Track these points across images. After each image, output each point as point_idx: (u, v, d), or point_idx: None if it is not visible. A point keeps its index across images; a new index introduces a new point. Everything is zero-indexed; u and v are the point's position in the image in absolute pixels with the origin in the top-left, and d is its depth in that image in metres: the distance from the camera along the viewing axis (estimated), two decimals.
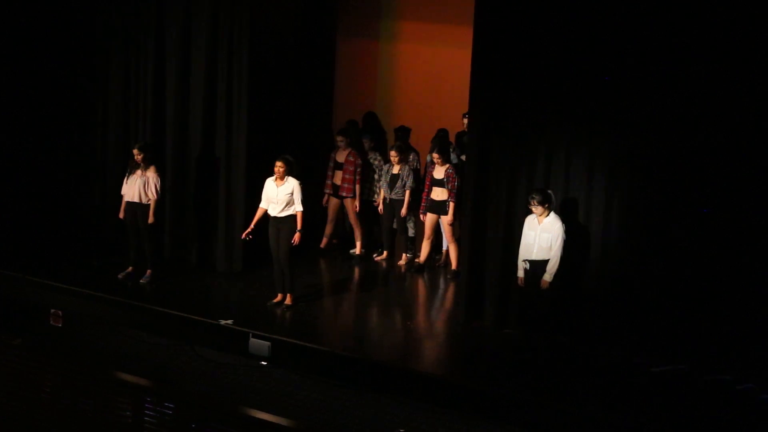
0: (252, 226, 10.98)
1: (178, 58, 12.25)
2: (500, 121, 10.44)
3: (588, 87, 9.98)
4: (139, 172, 11.52)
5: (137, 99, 12.69)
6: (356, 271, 12.79)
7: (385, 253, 13.06)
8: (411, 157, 12.70)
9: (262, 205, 10.97)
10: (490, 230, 10.61)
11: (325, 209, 13.03)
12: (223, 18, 11.85)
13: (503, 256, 10.49)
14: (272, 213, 10.88)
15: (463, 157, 12.00)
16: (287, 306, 11.04)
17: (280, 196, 10.79)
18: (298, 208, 10.80)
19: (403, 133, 13.06)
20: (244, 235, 11.06)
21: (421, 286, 12.36)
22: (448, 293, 12.02)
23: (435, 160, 11.94)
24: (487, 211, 10.60)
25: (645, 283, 9.90)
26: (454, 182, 11.75)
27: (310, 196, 11.53)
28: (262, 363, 9.95)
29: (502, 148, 10.46)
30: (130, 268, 11.86)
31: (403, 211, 12.43)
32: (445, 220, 12.00)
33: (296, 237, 10.76)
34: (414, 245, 12.87)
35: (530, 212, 9.91)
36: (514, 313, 10.54)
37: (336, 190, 12.84)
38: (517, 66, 10.28)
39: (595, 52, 9.88)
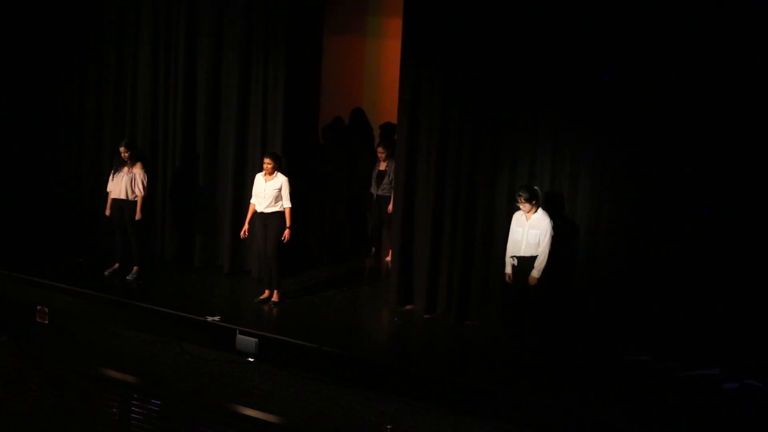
0: (247, 224, 11.01)
1: (210, 58, 12.16)
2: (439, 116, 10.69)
3: (576, 84, 10.03)
4: (125, 169, 11.50)
5: (167, 99, 12.56)
6: (343, 267, 12.79)
7: (372, 249, 13.06)
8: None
9: (253, 201, 10.99)
10: (419, 222, 11.05)
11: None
12: (258, 19, 11.81)
13: (432, 245, 10.90)
14: (259, 208, 10.89)
15: None
16: (274, 302, 11.05)
17: (267, 191, 10.79)
18: (286, 204, 10.82)
19: (389, 129, 13.04)
20: (242, 234, 11.09)
21: None
22: None
23: None
24: (416, 203, 11.00)
25: (632, 279, 9.95)
26: None
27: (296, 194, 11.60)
28: (250, 360, 9.95)
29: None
30: (117, 265, 11.84)
31: (390, 207, 12.44)
32: None
33: (286, 234, 10.78)
34: None
35: (517, 208, 9.94)
36: (443, 299, 10.91)
37: None
38: (467, 53, 10.52)
39: (586, 50, 9.92)
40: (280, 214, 10.83)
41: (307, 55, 12.07)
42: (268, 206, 10.83)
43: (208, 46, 12.14)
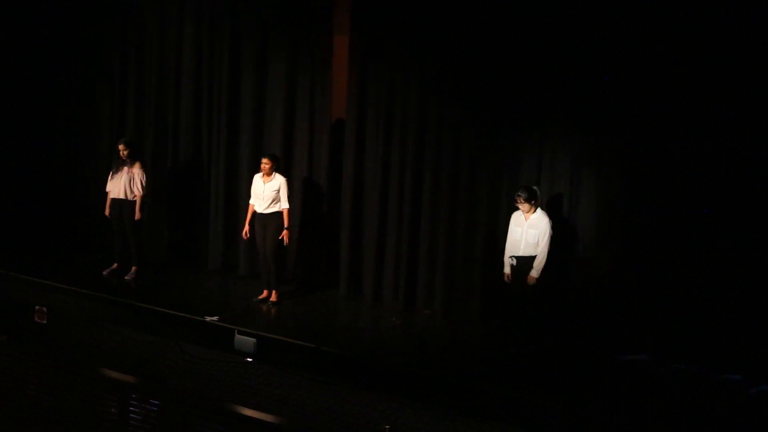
0: (248, 224, 11.01)
1: (254, 68, 12.09)
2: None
3: (573, 83, 10.04)
4: (124, 168, 11.51)
5: (210, 108, 12.49)
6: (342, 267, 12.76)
7: None
8: None
9: (252, 202, 11.00)
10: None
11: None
12: (302, 30, 11.75)
13: (378, 236, 11.39)
14: (258, 209, 10.90)
15: None
16: (272, 302, 11.05)
17: (266, 192, 10.80)
18: (284, 205, 10.83)
19: None
20: (244, 235, 11.08)
21: None
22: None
23: None
24: (364, 196, 11.46)
25: (632, 279, 9.96)
26: None
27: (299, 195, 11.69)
28: (248, 359, 9.94)
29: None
30: (115, 265, 11.84)
31: None
32: None
33: (284, 234, 10.78)
34: None
35: (515, 208, 9.95)
36: (390, 288, 11.38)
37: None
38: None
39: (588, 48, 9.94)
40: (278, 215, 10.84)
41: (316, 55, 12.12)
42: (267, 207, 10.84)
43: (252, 56, 12.07)
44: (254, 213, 10.98)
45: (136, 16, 12.90)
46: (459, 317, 10.94)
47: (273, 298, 11.07)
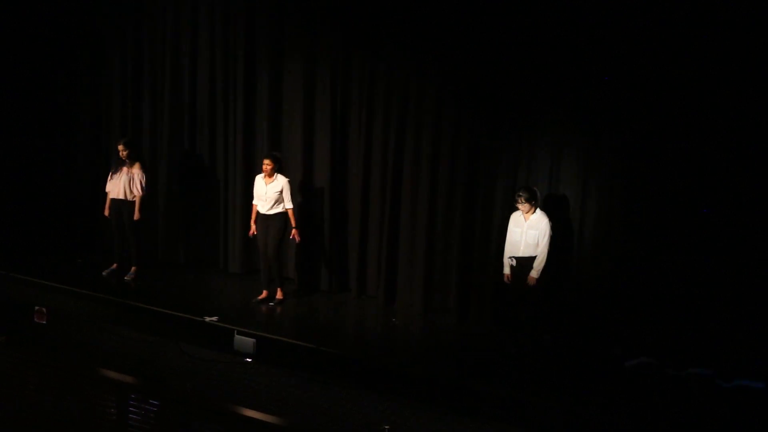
0: (253, 224, 11.03)
1: (270, 70, 12.06)
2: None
3: (570, 82, 10.03)
4: (124, 169, 11.51)
5: (226, 109, 12.44)
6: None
7: None
8: None
9: (255, 202, 11.01)
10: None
11: None
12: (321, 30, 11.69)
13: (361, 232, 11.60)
14: (261, 210, 10.91)
15: None
16: (278, 300, 11.07)
17: (269, 193, 10.81)
18: (287, 205, 10.84)
19: None
20: (250, 234, 11.11)
21: None
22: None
23: None
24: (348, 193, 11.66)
25: (631, 279, 9.95)
26: None
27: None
28: (247, 360, 9.94)
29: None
30: (114, 265, 11.84)
31: None
32: None
33: (294, 233, 10.84)
34: None
35: (515, 208, 9.94)
36: (373, 282, 11.65)
37: None
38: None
39: (588, 48, 9.94)
40: (281, 216, 10.85)
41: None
42: (270, 208, 10.85)
43: (268, 55, 12.01)
44: (257, 213, 10.98)
45: (148, 15, 12.86)
46: (438, 316, 11.07)
47: (279, 295, 11.12)
